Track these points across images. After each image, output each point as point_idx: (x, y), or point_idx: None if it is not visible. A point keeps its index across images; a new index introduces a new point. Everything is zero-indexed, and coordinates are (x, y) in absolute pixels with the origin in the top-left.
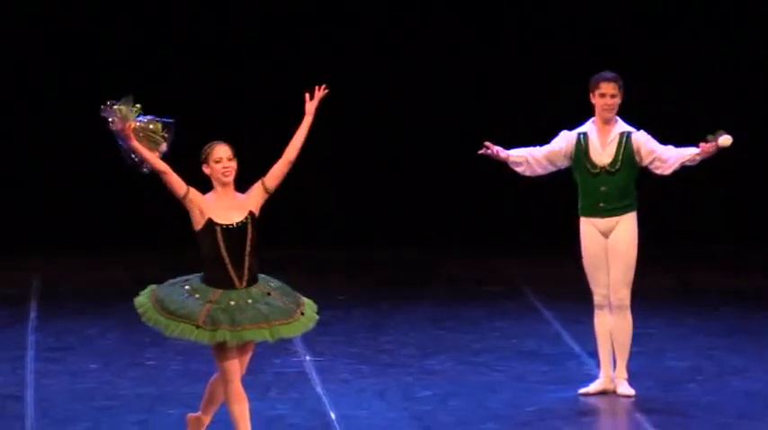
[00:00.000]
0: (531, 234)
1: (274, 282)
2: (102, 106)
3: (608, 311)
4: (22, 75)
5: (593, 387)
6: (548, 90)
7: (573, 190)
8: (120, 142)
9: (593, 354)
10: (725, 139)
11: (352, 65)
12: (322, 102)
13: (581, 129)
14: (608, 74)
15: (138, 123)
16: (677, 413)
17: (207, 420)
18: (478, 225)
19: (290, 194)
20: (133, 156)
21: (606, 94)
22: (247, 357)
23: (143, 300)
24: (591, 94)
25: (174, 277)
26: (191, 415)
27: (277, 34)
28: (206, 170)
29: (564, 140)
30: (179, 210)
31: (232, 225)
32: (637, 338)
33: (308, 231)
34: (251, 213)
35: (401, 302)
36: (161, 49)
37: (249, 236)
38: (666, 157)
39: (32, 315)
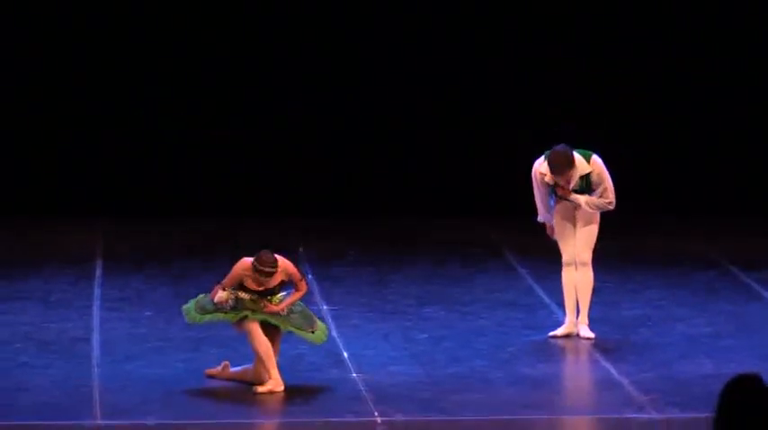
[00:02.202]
0: (508, 203)
1: (296, 306)
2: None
3: (574, 268)
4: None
5: (560, 331)
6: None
7: None
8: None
9: (561, 304)
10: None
11: (333, 43)
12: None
13: (544, 169)
14: (554, 164)
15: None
16: (629, 353)
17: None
18: (464, 195)
19: (305, 171)
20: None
21: (559, 188)
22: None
23: (192, 314)
24: (546, 173)
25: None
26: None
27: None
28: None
29: (538, 185)
30: (226, 184)
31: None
32: (596, 291)
33: (320, 202)
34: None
35: (401, 261)
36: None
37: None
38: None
39: (98, 272)
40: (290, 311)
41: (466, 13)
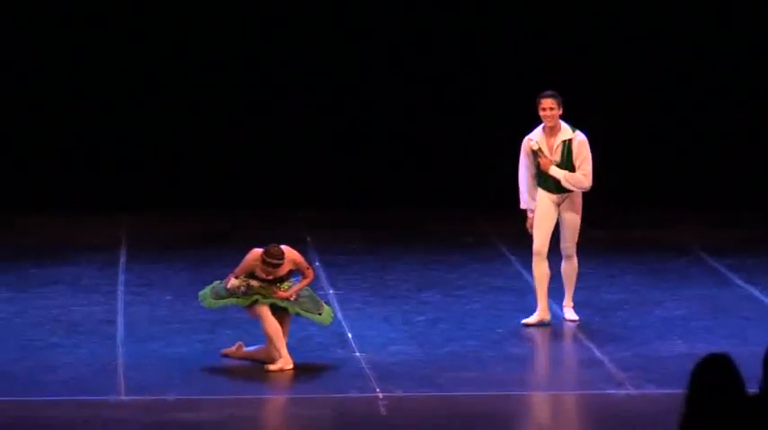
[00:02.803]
0: (500, 196)
1: (303, 290)
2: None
3: (542, 258)
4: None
5: (532, 319)
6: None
7: None
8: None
9: (548, 288)
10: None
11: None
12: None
13: (533, 135)
14: (548, 92)
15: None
16: (610, 334)
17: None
18: (459, 189)
19: (313, 167)
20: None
21: (546, 108)
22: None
23: (208, 301)
24: (537, 108)
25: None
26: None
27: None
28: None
29: (525, 154)
30: (240, 178)
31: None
32: (579, 277)
33: (327, 195)
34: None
35: (400, 250)
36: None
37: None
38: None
39: (122, 259)
40: (298, 296)
41: (466, 12)
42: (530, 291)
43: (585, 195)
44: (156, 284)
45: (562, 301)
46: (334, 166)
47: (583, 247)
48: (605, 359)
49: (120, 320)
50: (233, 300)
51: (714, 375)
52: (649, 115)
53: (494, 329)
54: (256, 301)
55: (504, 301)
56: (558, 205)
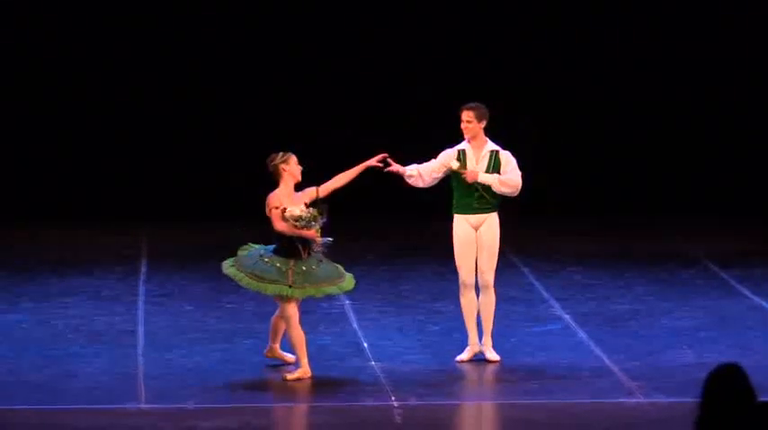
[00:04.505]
0: (510, 208)
1: (324, 262)
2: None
3: (470, 289)
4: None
5: (465, 354)
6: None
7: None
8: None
9: (559, 298)
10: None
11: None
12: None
13: (460, 146)
14: (469, 104)
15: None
16: (620, 343)
17: (277, 346)
18: None
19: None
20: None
21: (463, 120)
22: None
23: (234, 271)
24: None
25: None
26: (266, 352)
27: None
28: (284, 169)
29: (446, 155)
30: (258, 187)
31: None
32: (588, 288)
33: (343, 204)
34: (306, 205)
35: (414, 261)
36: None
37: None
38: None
39: (142, 270)
40: (319, 263)
41: (466, 12)
42: (540, 302)
43: (595, 198)
44: (175, 295)
45: (480, 340)
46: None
47: (594, 256)
48: (615, 368)
49: (141, 330)
50: (254, 283)
51: (727, 384)
52: (657, 125)
53: (506, 339)
54: (287, 295)
55: (516, 312)
56: (476, 229)
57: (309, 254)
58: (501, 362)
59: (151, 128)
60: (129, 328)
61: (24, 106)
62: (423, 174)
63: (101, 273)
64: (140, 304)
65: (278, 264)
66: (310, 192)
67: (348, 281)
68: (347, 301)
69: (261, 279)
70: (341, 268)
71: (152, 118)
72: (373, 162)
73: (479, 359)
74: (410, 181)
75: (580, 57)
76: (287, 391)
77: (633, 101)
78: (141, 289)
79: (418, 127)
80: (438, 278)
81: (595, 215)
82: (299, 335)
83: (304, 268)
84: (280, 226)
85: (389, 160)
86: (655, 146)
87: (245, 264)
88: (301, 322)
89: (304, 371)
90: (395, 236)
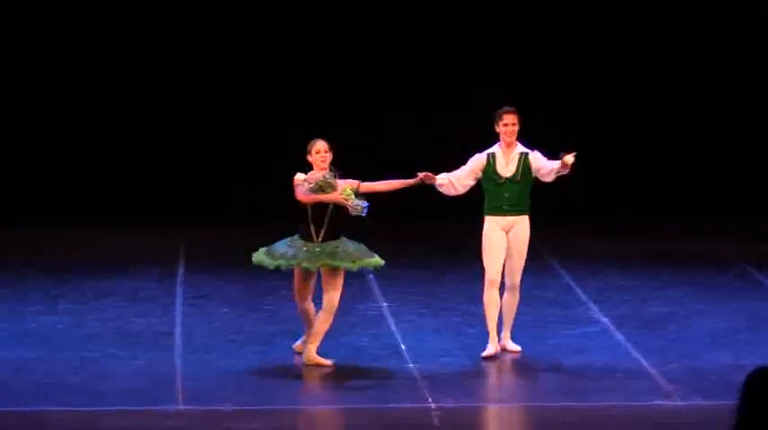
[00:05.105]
0: (550, 211)
1: (352, 244)
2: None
3: (495, 288)
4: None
5: (490, 350)
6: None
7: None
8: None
9: (596, 301)
10: (567, 158)
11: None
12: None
13: (489, 150)
14: (509, 107)
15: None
16: (656, 346)
17: (313, 349)
18: None
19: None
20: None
21: (508, 124)
22: (332, 294)
23: (261, 257)
24: (496, 124)
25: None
26: (296, 343)
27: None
28: (309, 158)
29: (476, 160)
30: (286, 194)
31: None
32: (624, 290)
33: (380, 207)
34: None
35: (451, 262)
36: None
37: (330, 208)
38: (547, 170)
39: (180, 272)
40: (337, 245)
41: (466, 13)
42: (578, 304)
43: (629, 202)
44: (212, 297)
45: (500, 334)
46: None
47: (630, 258)
48: (652, 371)
49: (178, 332)
50: (283, 263)
51: (765, 387)
52: (695, 128)
53: (544, 341)
54: (308, 269)
55: (553, 314)
56: (507, 232)
57: (330, 237)
58: (538, 365)
59: (191, 129)
60: (166, 330)
61: (67, 109)
62: (454, 182)
63: (138, 275)
64: (177, 306)
65: (290, 244)
66: (350, 183)
67: (377, 258)
68: (384, 304)
69: (272, 257)
70: (369, 255)
71: (192, 120)
72: (414, 182)
73: (500, 353)
74: (441, 189)
75: (625, 57)
76: (324, 394)
77: (669, 104)
78: (178, 290)
79: (433, 131)
80: (475, 280)
81: (632, 217)
82: (307, 310)
83: (304, 249)
84: (297, 195)
85: (424, 174)
86: (692, 148)
87: (272, 249)
88: (315, 302)
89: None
90: (431, 238)
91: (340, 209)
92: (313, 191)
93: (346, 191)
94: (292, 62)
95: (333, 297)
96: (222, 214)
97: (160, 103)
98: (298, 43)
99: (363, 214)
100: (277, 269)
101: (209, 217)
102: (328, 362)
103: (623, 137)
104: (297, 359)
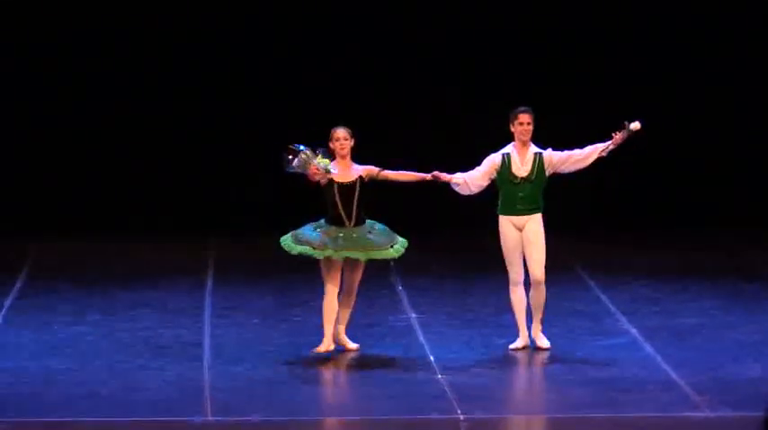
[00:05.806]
0: (580, 223)
1: (378, 226)
2: (289, 153)
3: (520, 287)
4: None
5: (518, 343)
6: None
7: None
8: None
9: (626, 312)
10: (635, 125)
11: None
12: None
13: (504, 150)
14: (524, 107)
15: (315, 165)
16: (686, 357)
17: (342, 330)
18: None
19: (397, 194)
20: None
21: (524, 123)
22: (356, 276)
23: (289, 242)
24: (511, 124)
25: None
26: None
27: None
28: (330, 145)
29: (491, 161)
30: (324, 200)
31: (345, 183)
32: (653, 301)
33: (406, 219)
34: (360, 178)
35: (480, 274)
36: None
37: (357, 192)
38: (584, 154)
39: (209, 283)
40: (371, 230)
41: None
42: (606, 315)
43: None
44: (242, 308)
45: (530, 330)
46: (417, 194)
47: (659, 271)
48: (682, 382)
49: (207, 343)
50: (309, 250)
51: None
52: (723, 139)
53: (573, 352)
54: (330, 256)
55: (582, 326)
56: (521, 230)
57: (355, 224)
58: (567, 376)
59: (220, 141)
60: (195, 341)
61: (98, 122)
62: (469, 182)
63: (167, 286)
64: (206, 317)
65: (319, 230)
66: (370, 169)
67: (397, 247)
68: (413, 315)
69: (299, 242)
70: (395, 239)
71: (220, 131)
72: (427, 176)
73: (531, 347)
74: (456, 188)
75: (681, 65)
76: (352, 405)
77: (700, 115)
78: (207, 301)
79: (445, 132)
80: (503, 291)
81: (661, 228)
82: (329, 305)
83: (341, 234)
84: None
85: (436, 173)
86: (722, 159)
87: (297, 231)
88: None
89: (326, 343)
90: (461, 249)
91: (361, 198)
92: (300, 174)
93: (319, 162)
94: (319, 78)
95: (355, 278)
96: (251, 224)
97: (193, 117)
98: (323, 56)
99: (333, 171)
100: (300, 255)
101: (238, 227)
102: (354, 346)
103: (653, 148)
104: (324, 370)
